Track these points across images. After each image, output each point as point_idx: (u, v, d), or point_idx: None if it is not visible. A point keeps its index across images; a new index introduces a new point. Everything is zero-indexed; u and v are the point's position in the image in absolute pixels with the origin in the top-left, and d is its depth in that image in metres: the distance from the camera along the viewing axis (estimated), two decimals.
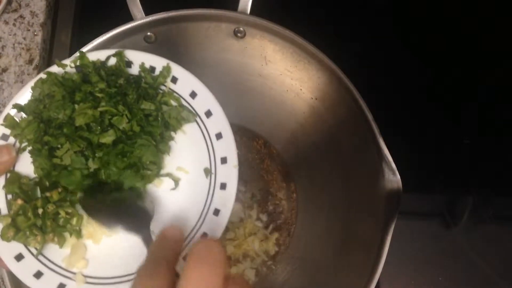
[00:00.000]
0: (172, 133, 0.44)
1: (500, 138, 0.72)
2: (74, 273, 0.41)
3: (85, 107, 0.40)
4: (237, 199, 0.67)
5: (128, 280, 0.40)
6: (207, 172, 0.43)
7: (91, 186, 0.41)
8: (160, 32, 0.58)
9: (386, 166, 0.53)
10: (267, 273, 0.65)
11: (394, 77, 0.73)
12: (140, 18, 0.56)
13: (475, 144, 0.71)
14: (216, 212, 0.41)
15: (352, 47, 0.70)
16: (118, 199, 0.40)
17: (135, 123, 0.41)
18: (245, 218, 0.66)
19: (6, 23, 0.67)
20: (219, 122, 0.44)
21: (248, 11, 0.59)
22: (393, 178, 0.53)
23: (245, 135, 0.69)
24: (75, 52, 0.47)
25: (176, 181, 0.43)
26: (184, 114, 0.43)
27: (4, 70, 0.65)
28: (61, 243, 0.41)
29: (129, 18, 0.56)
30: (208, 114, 0.44)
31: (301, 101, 0.64)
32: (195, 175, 0.43)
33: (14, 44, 0.66)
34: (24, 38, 0.67)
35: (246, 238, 0.65)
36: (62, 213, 0.40)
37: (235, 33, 0.61)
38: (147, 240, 0.38)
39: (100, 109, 0.40)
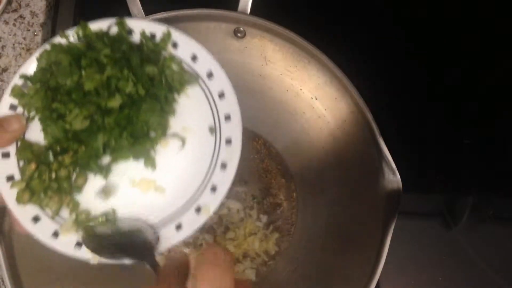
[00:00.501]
0: (176, 96, 0.45)
1: (500, 138, 0.72)
2: None
3: (92, 72, 0.41)
4: (238, 198, 0.67)
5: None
6: (212, 130, 0.45)
7: (92, 228, 0.42)
8: None
9: (386, 166, 0.53)
10: (267, 273, 0.65)
11: (394, 77, 0.73)
12: (140, 18, 0.56)
13: (475, 144, 0.71)
14: (224, 166, 0.44)
15: (352, 47, 0.70)
16: (121, 236, 0.42)
17: (140, 86, 0.42)
18: (245, 218, 0.66)
19: (6, 23, 0.67)
20: (221, 82, 0.45)
21: (248, 11, 0.59)
22: (393, 178, 0.53)
23: (245, 135, 0.68)
24: None
25: (183, 140, 0.44)
26: (187, 77, 0.45)
27: (4, 70, 0.65)
28: (74, 208, 0.42)
29: None
30: (210, 75, 0.45)
31: (301, 101, 0.64)
32: (200, 134, 0.45)
33: (14, 44, 0.66)
34: (24, 38, 0.67)
35: (246, 238, 0.65)
36: (75, 176, 0.42)
37: (235, 33, 0.61)
38: (154, 266, 0.39)
39: (106, 73, 0.41)
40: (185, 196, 0.43)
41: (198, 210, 0.43)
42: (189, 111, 0.45)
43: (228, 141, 0.45)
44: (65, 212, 0.43)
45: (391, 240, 0.51)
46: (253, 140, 0.69)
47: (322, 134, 0.63)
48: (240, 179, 0.68)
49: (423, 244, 0.66)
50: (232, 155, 0.44)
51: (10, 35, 0.67)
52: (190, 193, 0.43)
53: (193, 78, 0.45)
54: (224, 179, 0.43)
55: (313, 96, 0.63)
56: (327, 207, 0.64)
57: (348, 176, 0.61)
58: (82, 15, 0.73)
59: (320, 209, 0.64)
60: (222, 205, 0.66)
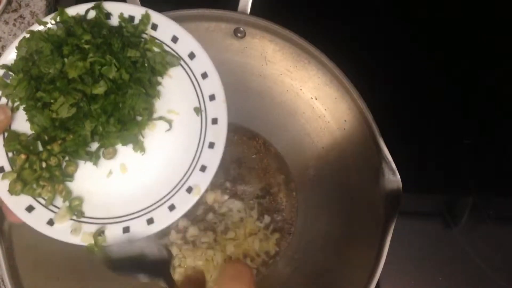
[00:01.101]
0: (159, 78, 0.45)
1: (500, 138, 0.72)
2: (86, 217, 0.43)
3: (74, 59, 0.41)
4: (238, 198, 0.67)
5: (129, 219, 0.43)
6: (197, 110, 0.45)
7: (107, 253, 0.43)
8: None
9: (386, 166, 0.53)
10: (267, 273, 0.65)
11: (394, 77, 0.73)
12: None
13: (475, 144, 0.71)
14: (211, 145, 0.44)
15: (352, 47, 0.70)
16: (137, 255, 0.43)
17: (123, 71, 0.42)
18: (246, 218, 0.66)
19: (6, 23, 0.67)
20: (203, 62, 0.45)
21: (248, 11, 0.59)
22: (393, 178, 0.53)
23: (245, 135, 0.69)
24: None
25: (169, 122, 0.45)
26: (168, 59, 0.45)
27: None
28: (67, 196, 0.43)
29: None
30: (192, 56, 0.46)
31: (301, 101, 0.64)
32: (186, 115, 0.45)
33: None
34: None
35: (247, 238, 0.65)
36: (65, 164, 0.43)
37: (235, 33, 0.61)
38: (170, 283, 0.41)
39: (89, 60, 0.41)
40: (176, 177, 0.44)
41: (189, 190, 0.43)
42: (174, 93, 0.46)
43: (214, 121, 0.45)
44: (58, 200, 0.43)
45: (391, 240, 0.51)
46: (253, 140, 0.69)
47: (322, 134, 0.63)
48: (240, 179, 0.68)
49: (423, 244, 0.66)
50: (219, 134, 0.44)
51: (10, 35, 0.67)
52: (180, 174, 0.44)
53: (175, 59, 0.45)
54: (213, 158, 0.44)
55: (313, 96, 0.63)
56: (327, 207, 0.63)
57: (348, 176, 0.61)
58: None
59: (320, 209, 0.64)
60: (222, 204, 0.67)
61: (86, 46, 0.41)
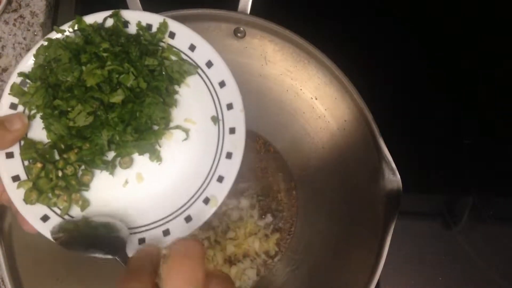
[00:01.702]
0: (176, 87, 0.45)
1: (500, 138, 0.72)
2: None
3: (92, 67, 0.40)
4: (238, 198, 0.67)
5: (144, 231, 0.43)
6: (215, 119, 0.44)
7: (68, 224, 0.42)
8: None
9: (386, 166, 0.53)
10: (267, 273, 0.65)
11: (394, 77, 0.73)
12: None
13: (475, 144, 0.71)
14: (229, 155, 0.43)
15: (352, 47, 0.70)
16: (92, 231, 0.42)
17: (141, 79, 0.42)
18: (246, 217, 0.66)
19: (6, 23, 0.67)
20: (221, 71, 0.45)
21: (248, 11, 0.59)
22: (393, 178, 0.53)
23: (245, 135, 0.69)
24: None
25: (186, 132, 0.44)
26: (186, 67, 0.44)
27: (4, 70, 0.65)
28: (84, 205, 0.42)
29: None
30: (209, 64, 0.45)
31: (301, 101, 0.64)
32: (203, 124, 0.44)
33: (14, 44, 0.66)
34: (24, 38, 0.67)
35: (247, 238, 0.65)
36: (80, 173, 0.42)
37: (235, 33, 0.61)
38: (124, 260, 0.40)
39: (107, 68, 0.41)
40: (193, 188, 0.43)
41: (206, 201, 0.43)
42: (191, 102, 0.45)
43: (232, 130, 0.44)
44: (73, 210, 0.43)
45: (391, 240, 0.51)
46: (253, 140, 0.69)
47: (322, 134, 0.63)
48: (240, 178, 0.68)
49: (423, 244, 0.66)
50: (237, 144, 0.44)
51: (10, 35, 0.67)
52: (197, 185, 0.43)
53: (193, 68, 0.45)
54: (230, 169, 0.43)
55: (313, 96, 0.63)
56: (327, 207, 0.63)
57: (348, 176, 0.61)
58: (82, 15, 0.73)
59: (320, 209, 0.64)
60: (222, 204, 0.67)
61: (104, 54, 0.41)
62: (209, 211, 0.42)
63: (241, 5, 0.59)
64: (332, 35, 0.68)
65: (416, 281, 0.64)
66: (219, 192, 0.43)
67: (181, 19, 0.58)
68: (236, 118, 0.44)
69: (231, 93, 0.45)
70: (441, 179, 0.70)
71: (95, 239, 0.41)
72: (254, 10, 0.59)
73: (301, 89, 0.63)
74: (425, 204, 0.69)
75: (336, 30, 0.72)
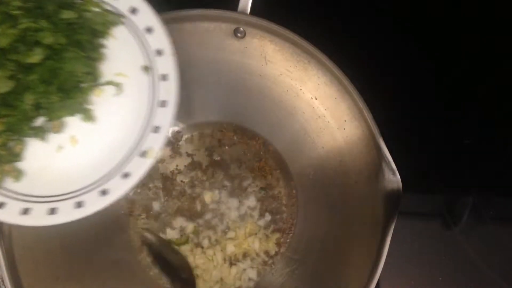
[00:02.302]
0: (102, 40, 0.43)
1: (500, 138, 0.72)
2: (36, 197, 0.41)
3: (5, 27, 0.38)
4: (238, 198, 0.67)
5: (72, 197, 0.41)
6: (146, 69, 0.43)
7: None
8: None
9: (386, 166, 0.53)
10: (267, 273, 0.65)
11: (394, 77, 0.73)
12: None
13: (475, 144, 0.71)
14: (163, 103, 0.42)
15: (352, 47, 0.70)
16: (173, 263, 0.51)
17: (60, 34, 0.39)
18: (246, 217, 0.66)
19: None
20: (146, 16, 0.43)
21: (248, 11, 0.58)
22: (393, 178, 0.53)
23: (245, 135, 0.69)
24: None
25: (118, 86, 0.43)
26: (110, 18, 0.43)
27: None
28: (18, 177, 0.41)
29: None
30: (134, 11, 0.43)
31: (301, 101, 0.64)
32: (135, 76, 0.43)
33: None
34: None
35: (247, 237, 0.65)
36: (12, 143, 0.40)
37: (235, 33, 0.61)
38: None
39: (20, 26, 0.38)
40: (128, 143, 0.42)
41: (143, 154, 0.41)
42: (120, 55, 0.43)
43: (164, 77, 0.42)
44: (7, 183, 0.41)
45: (391, 240, 0.51)
46: (253, 140, 0.69)
47: (322, 134, 0.63)
48: (240, 178, 0.68)
49: (423, 244, 0.66)
50: (170, 91, 0.42)
51: None
52: (133, 140, 0.42)
53: (117, 17, 0.42)
54: (165, 117, 0.42)
55: (313, 96, 0.63)
56: (327, 207, 0.63)
57: (348, 176, 0.61)
58: None
59: (320, 209, 0.64)
60: (222, 204, 0.67)
61: (17, 12, 0.38)
62: (146, 163, 0.41)
63: (241, 5, 0.59)
64: (332, 35, 0.68)
65: (416, 281, 0.64)
66: (156, 143, 0.41)
67: (181, 19, 0.58)
68: (167, 64, 0.42)
69: (159, 38, 0.43)
70: (441, 179, 0.70)
71: (171, 268, 0.49)
72: (254, 10, 0.59)
73: (301, 89, 0.63)
74: (425, 204, 0.69)
75: (336, 30, 0.72)
